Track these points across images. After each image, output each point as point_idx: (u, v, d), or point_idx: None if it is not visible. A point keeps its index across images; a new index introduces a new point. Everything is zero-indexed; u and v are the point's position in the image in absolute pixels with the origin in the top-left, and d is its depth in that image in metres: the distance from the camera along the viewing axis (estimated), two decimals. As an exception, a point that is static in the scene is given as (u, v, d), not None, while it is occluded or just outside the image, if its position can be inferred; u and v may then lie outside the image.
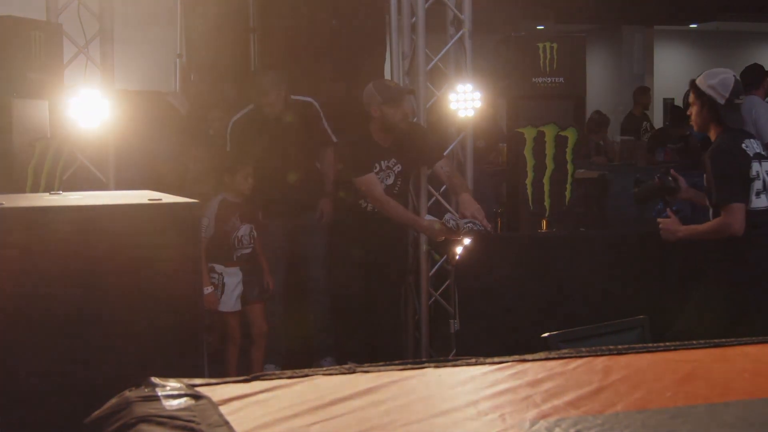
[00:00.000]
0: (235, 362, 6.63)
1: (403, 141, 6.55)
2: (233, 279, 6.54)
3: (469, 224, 6.30)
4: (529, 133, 6.86)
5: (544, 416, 2.54)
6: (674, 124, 12.60)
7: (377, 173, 6.53)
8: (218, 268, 6.53)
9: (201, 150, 8.03)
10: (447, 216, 6.44)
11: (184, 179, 7.79)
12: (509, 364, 3.03)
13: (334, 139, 6.93)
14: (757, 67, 9.26)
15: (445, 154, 6.91)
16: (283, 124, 6.79)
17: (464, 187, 6.57)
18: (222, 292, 6.52)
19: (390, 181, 6.58)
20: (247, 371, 6.65)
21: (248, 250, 6.63)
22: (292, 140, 6.82)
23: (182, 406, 2.57)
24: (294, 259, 7.13)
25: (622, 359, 3.15)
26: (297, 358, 7.00)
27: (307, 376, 2.91)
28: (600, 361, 3.09)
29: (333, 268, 6.96)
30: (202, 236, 6.12)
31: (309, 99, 6.94)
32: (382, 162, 6.55)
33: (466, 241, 6.55)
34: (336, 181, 6.96)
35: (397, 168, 6.57)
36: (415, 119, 6.78)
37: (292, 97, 6.88)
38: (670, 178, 5.72)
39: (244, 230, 6.61)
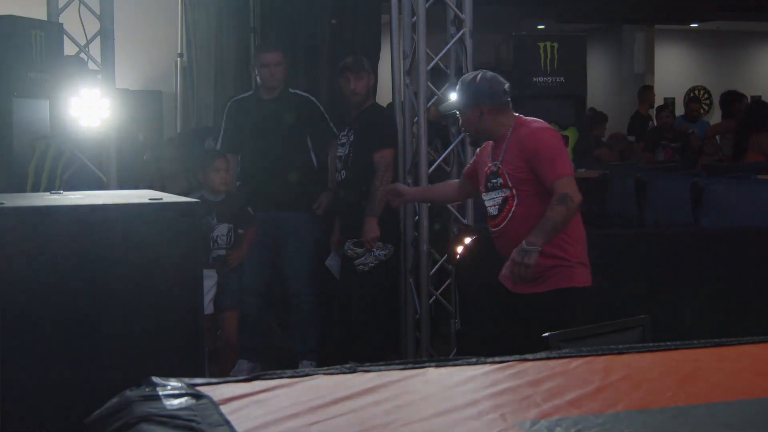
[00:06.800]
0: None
1: (364, 116, 6.68)
2: (208, 282, 6.15)
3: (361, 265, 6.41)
4: (529, 133, 6.84)
5: (544, 416, 2.54)
6: (593, 126, 12.47)
7: (342, 144, 6.67)
8: None
9: (173, 150, 8.07)
10: (346, 246, 6.50)
11: (155, 180, 7.86)
12: (510, 363, 3.03)
13: (336, 132, 6.95)
14: None
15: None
16: (281, 110, 6.80)
17: (371, 209, 6.54)
18: None
19: (345, 150, 6.63)
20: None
21: (223, 251, 6.39)
22: (288, 132, 6.84)
23: (183, 406, 2.57)
24: (278, 260, 7.07)
25: (623, 359, 3.15)
26: (277, 357, 7.01)
27: (307, 375, 2.92)
28: (601, 361, 3.09)
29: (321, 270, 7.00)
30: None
31: (308, 95, 6.97)
32: (346, 129, 6.72)
33: (467, 239, 6.57)
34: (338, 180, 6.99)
35: (351, 137, 6.65)
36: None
37: (291, 90, 6.91)
38: None
39: (220, 230, 6.37)
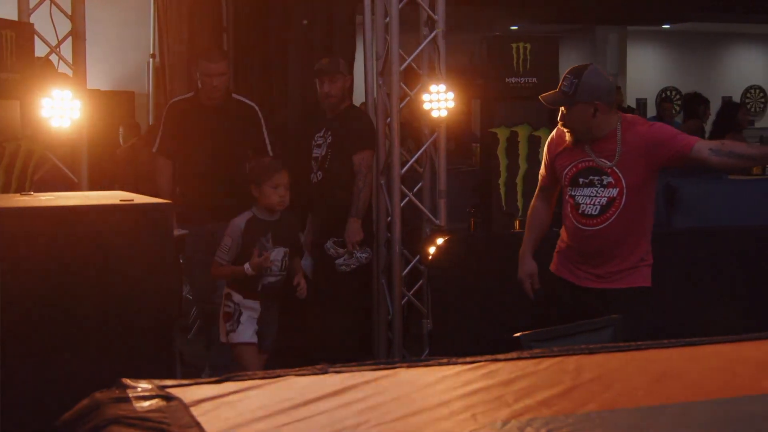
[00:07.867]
0: None
1: (341, 118, 6.65)
2: (251, 314, 5.55)
3: (343, 264, 6.43)
4: (502, 134, 6.86)
5: (515, 415, 2.54)
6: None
7: (318, 145, 6.66)
8: (236, 297, 5.55)
9: (147, 150, 8.03)
10: (328, 244, 6.50)
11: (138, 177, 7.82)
12: (481, 363, 3.03)
13: (270, 153, 6.63)
14: None
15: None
16: (221, 118, 6.58)
17: (355, 211, 6.51)
18: (237, 324, 5.52)
19: (322, 152, 6.63)
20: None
21: (276, 279, 5.59)
22: (227, 138, 6.59)
23: (153, 408, 2.56)
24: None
25: (594, 359, 3.16)
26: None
27: (279, 376, 2.91)
28: (572, 361, 3.10)
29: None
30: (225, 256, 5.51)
31: (251, 103, 6.73)
32: (322, 130, 6.67)
33: (439, 240, 6.57)
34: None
35: (329, 138, 6.63)
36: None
37: (234, 96, 6.76)
38: None
39: (276, 254, 5.54)
